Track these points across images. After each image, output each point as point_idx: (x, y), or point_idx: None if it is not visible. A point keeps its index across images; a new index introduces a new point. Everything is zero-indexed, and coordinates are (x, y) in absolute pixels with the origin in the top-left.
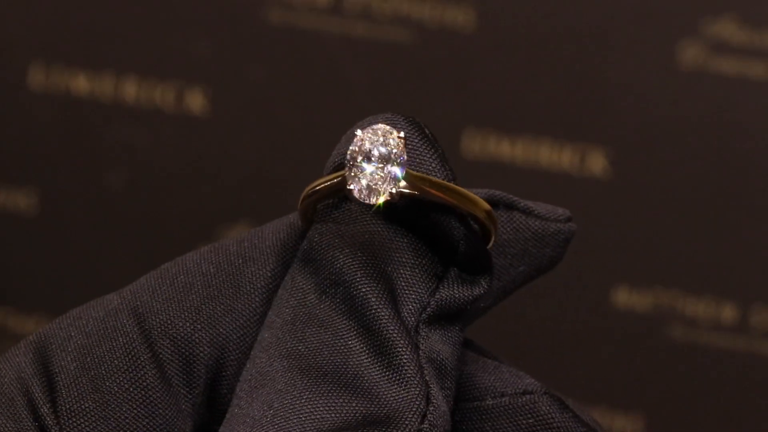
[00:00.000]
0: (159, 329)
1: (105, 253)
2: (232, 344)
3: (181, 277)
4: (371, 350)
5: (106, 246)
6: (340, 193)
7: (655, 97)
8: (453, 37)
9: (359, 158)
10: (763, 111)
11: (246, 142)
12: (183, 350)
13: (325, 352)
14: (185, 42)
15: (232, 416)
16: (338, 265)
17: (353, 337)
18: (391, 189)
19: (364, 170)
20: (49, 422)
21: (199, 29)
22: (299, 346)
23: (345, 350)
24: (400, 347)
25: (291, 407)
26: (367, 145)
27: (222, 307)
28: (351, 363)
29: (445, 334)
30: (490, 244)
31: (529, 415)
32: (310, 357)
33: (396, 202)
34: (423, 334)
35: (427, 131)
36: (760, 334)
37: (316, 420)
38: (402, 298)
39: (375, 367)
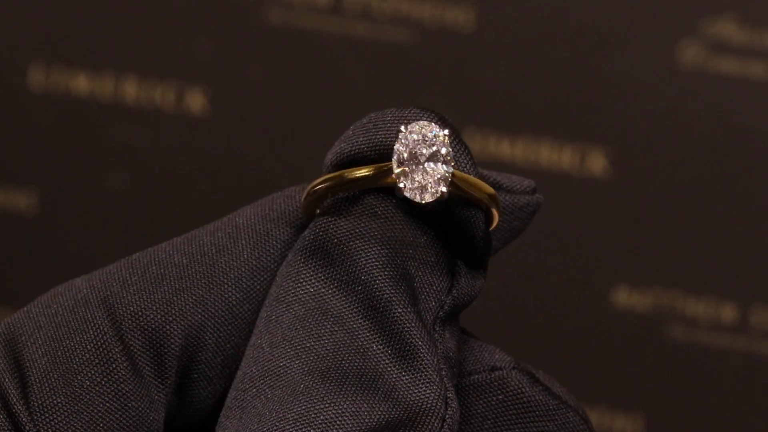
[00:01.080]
0: (130, 321)
1: (105, 253)
2: (206, 335)
3: (153, 267)
4: (391, 352)
5: (106, 246)
6: (376, 184)
7: (655, 97)
8: (453, 37)
9: (410, 156)
10: (763, 111)
11: (246, 142)
12: (154, 342)
13: (343, 352)
14: (185, 42)
15: (243, 412)
16: (360, 262)
17: (371, 338)
18: (443, 188)
19: (417, 168)
20: (23, 419)
21: (199, 29)
22: (315, 344)
23: (363, 351)
24: (422, 351)
25: (315, 411)
26: (418, 143)
27: (194, 298)
28: (370, 365)
29: (452, 329)
30: (491, 228)
31: (498, 392)
32: (328, 357)
33: (442, 201)
34: (439, 332)
35: (456, 129)
36: (760, 334)
37: (341, 425)
38: (421, 298)
39: (394, 369)
